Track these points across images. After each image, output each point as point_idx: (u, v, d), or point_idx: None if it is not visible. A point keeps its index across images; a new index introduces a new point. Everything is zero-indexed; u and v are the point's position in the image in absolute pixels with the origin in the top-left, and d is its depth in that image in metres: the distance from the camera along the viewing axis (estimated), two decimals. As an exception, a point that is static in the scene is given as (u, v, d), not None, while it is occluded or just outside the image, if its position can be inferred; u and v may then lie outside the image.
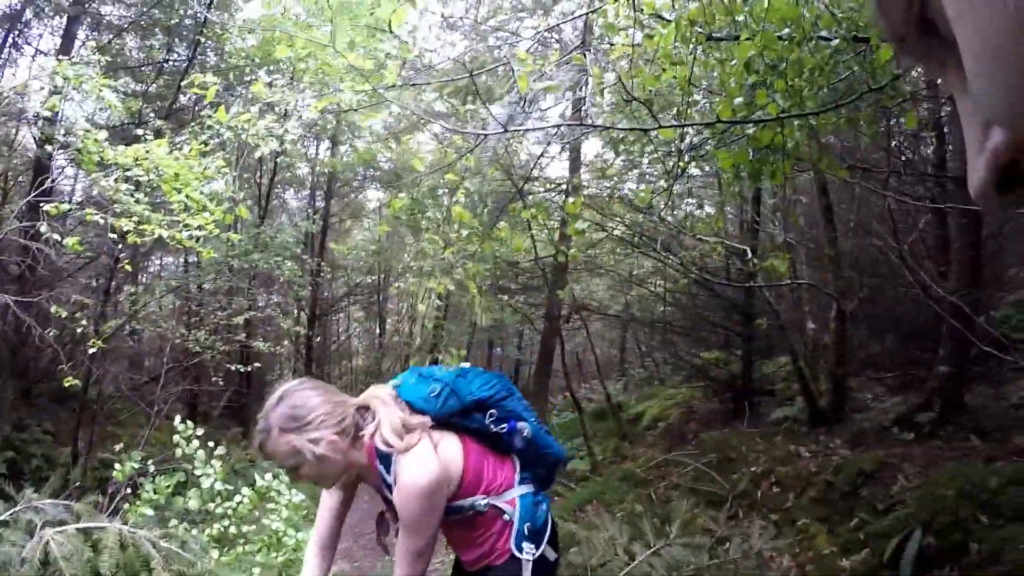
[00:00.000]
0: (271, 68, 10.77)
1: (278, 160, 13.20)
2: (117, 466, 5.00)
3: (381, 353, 20.36)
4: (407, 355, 20.40)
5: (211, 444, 5.19)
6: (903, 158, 6.47)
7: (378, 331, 22.07)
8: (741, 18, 2.82)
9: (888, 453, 5.02)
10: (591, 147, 13.08)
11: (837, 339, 6.41)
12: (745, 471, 5.90)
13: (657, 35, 2.93)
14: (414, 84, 4.54)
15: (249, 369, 9.86)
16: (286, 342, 18.34)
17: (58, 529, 2.51)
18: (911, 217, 6.44)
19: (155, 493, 4.97)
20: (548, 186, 11.63)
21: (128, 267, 6.66)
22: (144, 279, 14.56)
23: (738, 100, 2.81)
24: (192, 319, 10.65)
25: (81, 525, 2.59)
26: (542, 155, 10.66)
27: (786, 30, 2.63)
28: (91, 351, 6.27)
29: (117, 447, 6.26)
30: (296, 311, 17.33)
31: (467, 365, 2.40)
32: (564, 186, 10.61)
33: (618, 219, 9.14)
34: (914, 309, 6.34)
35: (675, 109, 3.37)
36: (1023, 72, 0.34)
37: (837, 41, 2.73)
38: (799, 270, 7.31)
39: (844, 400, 6.55)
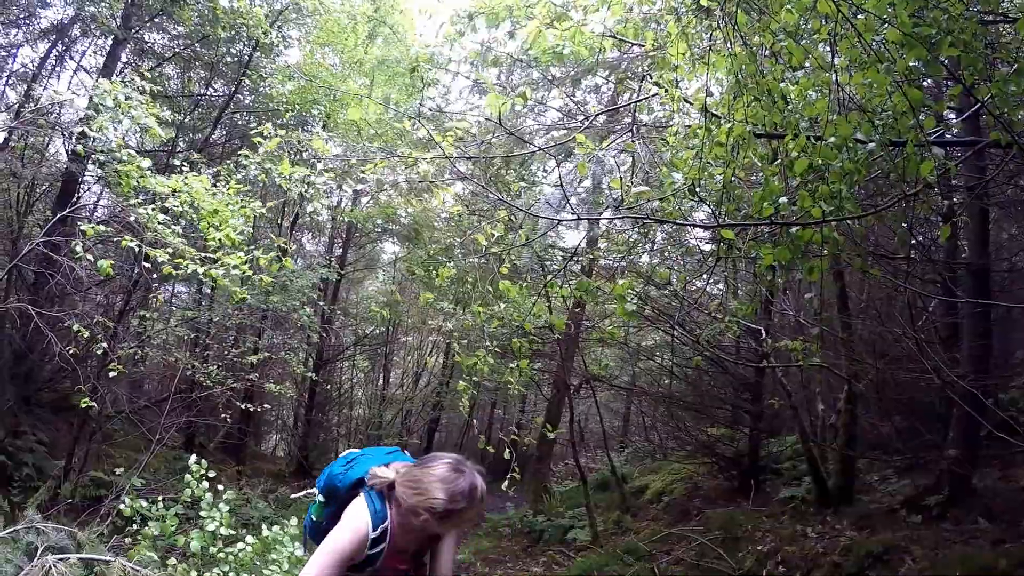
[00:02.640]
0: (305, 115, 11.07)
1: (302, 206, 13.46)
2: (126, 499, 4.89)
3: (382, 407, 20.25)
4: (408, 410, 20.34)
5: (220, 488, 5.12)
6: (918, 245, 6.61)
7: (382, 383, 22.03)
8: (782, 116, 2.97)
9: (896, 535, 5.00)
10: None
11: (847, 420, 6.43)
12: (751, 550, 5.86)
13: (714, 130, 3.05)
14: (470, 157, 4.69)
15: (259, 408, 9.86)
16: (288, 383, 18.43)
17: (59, 556, 2.51)
18: (921, 301, 6.54)
19: (160, 531, 4.86)
20: (563, 256, 11.81)
21: (150, 293, 6.62)
22: (155, 303, 14.68)
23: (783, 199, 2.96)
24: (204, 352, 10.68)
25: (84, 556, 2.58)
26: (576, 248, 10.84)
27: (832, 138, 2.77)
28: (112, 374, 6.30)
29: (118, 470, 6.23)
30: (305, 355, 17.41)
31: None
32: (579, 257, 10.80)
33: (632, 292, 9.27)
34: (924, 393, 6.38)
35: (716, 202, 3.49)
36: None
37: (873, 145, 2.87)
38: (810, 351, 7.37)
39: (852, 481, 6.53)
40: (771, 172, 3.13)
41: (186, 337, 10.98)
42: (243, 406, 9.21)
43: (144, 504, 4.95)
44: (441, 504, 2.17)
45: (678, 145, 3.50)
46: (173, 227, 5.60)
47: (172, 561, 4.71)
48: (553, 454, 14.97)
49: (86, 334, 6.12)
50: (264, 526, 5.21)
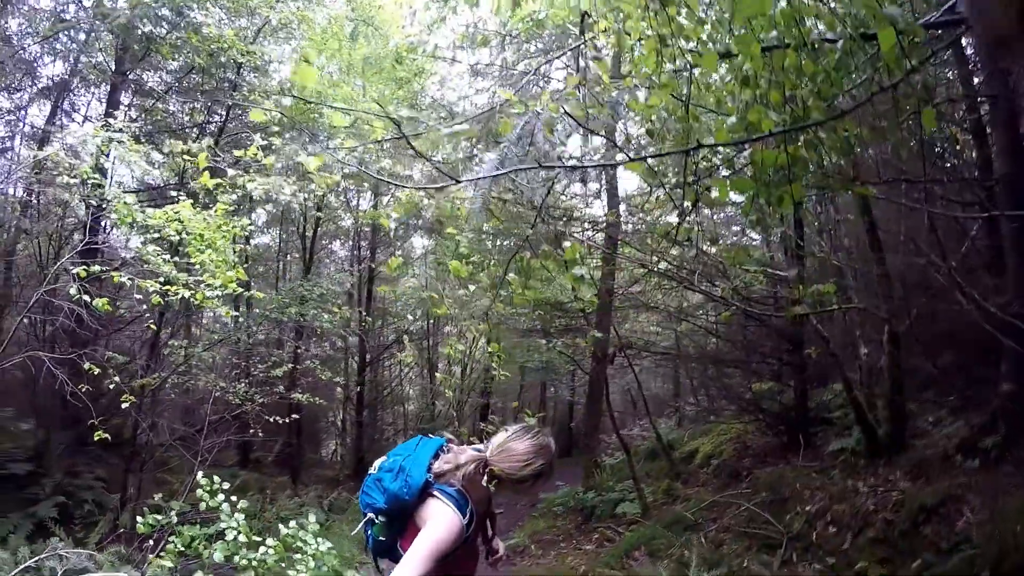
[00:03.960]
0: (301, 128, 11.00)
1: (320, 214, 13.39)
2: (139, 518, 4.88)
3: (432, 399, 20.24)
4: (459, 400, 20.29)
5: (234, 498, 5.04)
6: (946, 165, 6.11)
7: (428, 377, 22.04)
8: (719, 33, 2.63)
9: (952, 484, 4.59)
10: (631, 183, 12.87)
11: (891, 363, 5.98)
12: (800, 511, 5.50)
13: (638, 58, 2.75)
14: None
15: (287, 420, 9.83)
16: (339, 390, 18.49)
17: None
18: (960, 227, 6.02)
19: (181, 544, 4.85)
20: (585, 227, 11.46)
21: (152, 327, 6.58)
22: (197, 332, 14.86)
23: (731, 120, 2.60)
24: (236, 372, 10.73)
25: (99, 574, 2.46)
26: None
27: (774, 33, 2.40)
28: (123, 405, 6.35)
29: (158, 495, 6.28)
30: (345, 359, 17.42)
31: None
32: (603, 224, 10.43)
33: (659, 254, 8.87)
34: (970, 325, 5.90)
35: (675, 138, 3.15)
36: None
37: (842, 42, 2.50)
38: (848, 293, 6.93)
39: (904, 427, 6.05)
40: (722, 94, 2.78)
41: (219, 359, 11.03)
42: (273, 419, 9.17)
43: (158, 518, 4.93)
44: (546, 467, 2.51)
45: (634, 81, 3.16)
46: (166, 256, 5.54)
47: (199, 574, 4.68)
48: (602, 428, 14.70)
49: (95, 371, 6.15)
50: (281, 525, 5.16)
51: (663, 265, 8.87)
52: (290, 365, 10.90)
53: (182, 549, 4.87)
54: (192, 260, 5.55)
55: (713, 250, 6.68)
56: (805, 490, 5.83)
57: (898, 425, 6.04)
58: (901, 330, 5.97)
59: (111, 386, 6.49)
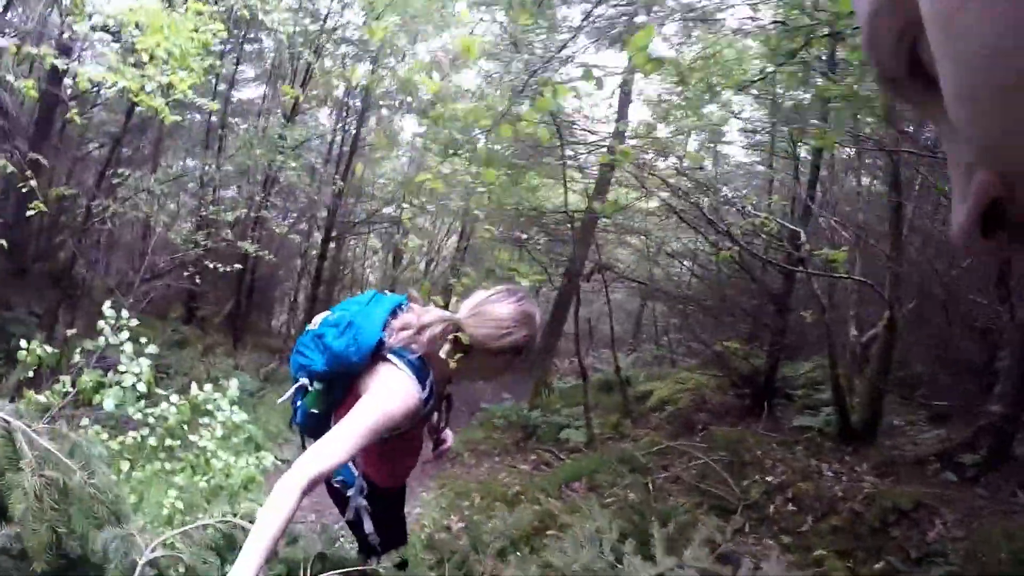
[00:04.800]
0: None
1: (311, 69, 12.47)
2: (23, 346, 4.19)
3: (392, 287, 19.85)
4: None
5: (144, 340, 4.42)
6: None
7: (391, 264, 21.61)
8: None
9: (927, 491, 4.41)
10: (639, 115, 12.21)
11: (883, 350, 5.71)
12: (759, 479, 5.31)
13: None
14: None
15: (230, 269, 9.17)
16: (298, 261, 17.94)
17: None
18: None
19: (72, 385, 4.14)
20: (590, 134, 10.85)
21: (77, 118, 5.58)
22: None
23: None
24: (187, 211, 10.01)
25: None
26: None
27: None
28: (29, 213, 5.47)
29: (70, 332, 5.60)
30: (308, 230, 16.80)
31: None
32: (607, 139, 9.87)
33: (661, 181, 8.36)
34: (973, 335, 5.65)
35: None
36: (999, 107, 0.33)
37: None
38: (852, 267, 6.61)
39: (878, 420, 5.87)
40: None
41: (171, 198, 10.23)
42: (214, 266, 8.54)
43: (48, 349, 4.26)
44: (528, 340, 2.09)
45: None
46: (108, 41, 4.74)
47: (85, 421, 4.14)
48: (558, 349, 14.53)
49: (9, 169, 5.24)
50: (195, 385, 4.56)
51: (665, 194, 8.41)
52: (243, 211, 10.08)
53: (69, 390, 4.14)
54: (138, 48, 4.71)
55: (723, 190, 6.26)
56: (766, 459, 5.65)
57: (873, 416, 5.84)
58: (901, 319, 5.69)
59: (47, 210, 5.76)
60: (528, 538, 4.55)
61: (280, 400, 2.31)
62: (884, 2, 0.40)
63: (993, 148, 0.36)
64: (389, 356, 2.04)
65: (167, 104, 4.87)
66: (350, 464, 2.20)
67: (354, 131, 15.13)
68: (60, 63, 4.58)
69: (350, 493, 2.25)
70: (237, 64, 13.50)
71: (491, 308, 2.07)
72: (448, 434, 2.52)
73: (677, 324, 10.73)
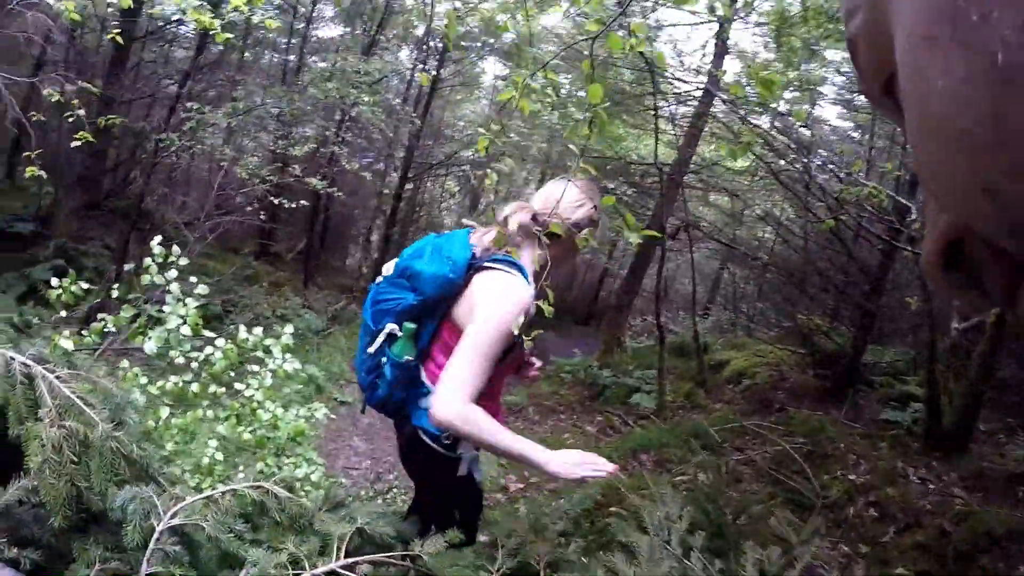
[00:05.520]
0: None
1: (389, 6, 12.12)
2: (54, 282, 3.93)
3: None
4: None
5: (193, 279, 4.11)
6: None
7: (469, 207, 21.46)
8: None
9: (1017, 514, 3.93)
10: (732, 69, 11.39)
11: (988, 349, 5.10)
12: (841, 476, 4.90)
13: None
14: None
15: (297, 205, 9.09)
16: (374, 200, 17.91)
17: None
18: None
19: (113, 324, 3.89)
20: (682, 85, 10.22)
21: (118, 39, 5.21)
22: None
23: None
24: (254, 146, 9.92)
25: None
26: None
27: None
28: (73, 144, 5.05)
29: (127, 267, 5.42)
30: (384, 169, 16.69)
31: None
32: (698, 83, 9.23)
33: (759, 136, 7.73)
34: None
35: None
36: (952, 154, 0.33)
37: None
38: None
39: (972, 426, 5.26)
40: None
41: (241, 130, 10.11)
42: (279, 202, 8.43)
43: (82, 286, 3.95)
44: (598, 211, 2.13)
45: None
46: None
47: (125, 363, 3.90)
48: (634, 307, 14.13)
49: (55, 98, 4.90)
50: (243, 328, 4.20)
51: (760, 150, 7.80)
52: (312, 146, 9.96)
53: (111, 329, 3.92)
54: None
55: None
56: (848, 454, 5.21)
57: (967, 421, 5.24)
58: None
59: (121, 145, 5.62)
60: (590, 515, 4.38)
61: (371, 350, 2.11)
62: (863, 30, 0.40)
63: (943, 198, 0.37)
64: (485, 264, 1.99)
65: (217, 20, 4.56)
66: None
67: (434, 72, 14.81)
68: None
69: (444, 439, 2.06)
70: (314, 2, 13.28)
71: (555, 190, 2.09)
72: (535, 361, 2.35)
73: (757, 291, 10.16)
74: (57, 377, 1.93)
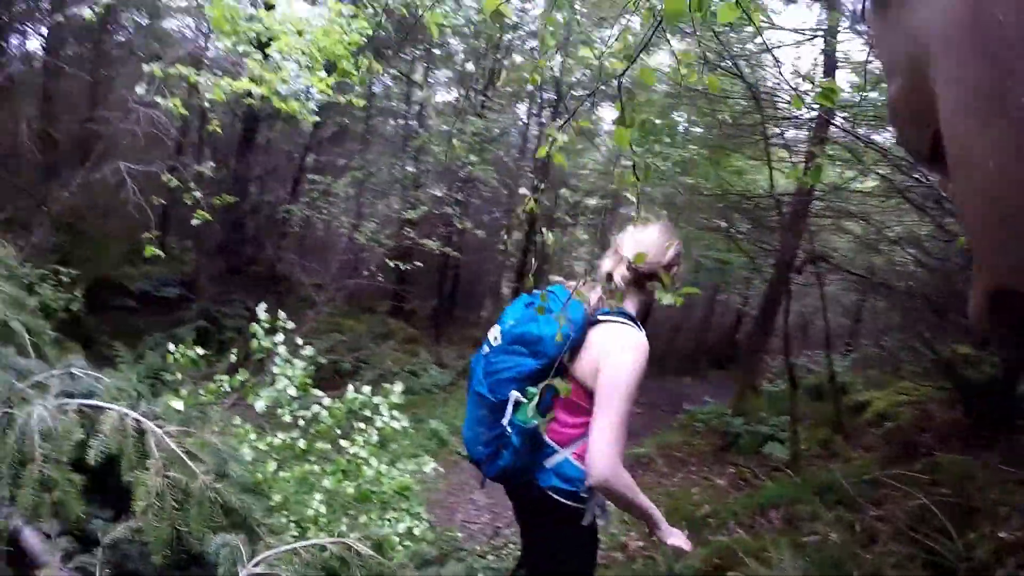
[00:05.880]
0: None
1: (498, 60, 12.52)
2: (172, 348, 4.31)
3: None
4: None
5: (299, 341, 4.41)
6: None
7: (600, 254, 21.45)
8: None
9: None
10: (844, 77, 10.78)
11: None
12: (989, 534, 4.34)
13: None
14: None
15: (408, 267, 9.40)
16: (499, 255, 18.29)
17: (60, 402, 2.15)
18: None
19: (229, 385, 4.26)
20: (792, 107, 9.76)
21: (218, 129, 5.67)
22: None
23: None
24: (368, 211, 10.46)
25: (89, 402, 2.15)
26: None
27: None
28: (194, 222, 5.26)
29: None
30: (508, 224, 17.03)
31: None
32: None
33: (881, 154, 7.23)
34: None
35: None
36: (999, 225, 0.34)
37: None
38: None
39: None
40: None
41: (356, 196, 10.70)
42: (392, 264, 8.78)
43: (197, 353, 4.34)
44: (681, 245, 2.23)
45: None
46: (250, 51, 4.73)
47: (237, 420, 4.14)
48: (772, 348, 13.44)
49: (173, 183, 5.23)
50: (351, 386, 4.46)
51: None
52: (423, 209, 10.34)
53: (228, 389, 4.28)
54: (272, 51, 4.69)
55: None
56: (1000, 506, 4.63)
57: None
58: None
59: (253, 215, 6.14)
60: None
61: (504, 421, 2.12)
62: (908, 92, 0.40)
63: (989, 260, 0.38)
64: (600, 318, 2.09)
65: (305, 104, 4.86)
66: (570, 458, 2.10)
67: (549, 123, 15.09)
68: (201, 79, 4.74)
69: (583, 493, 2.09)
70: (428, 69, 13.95)
71: (642, 236, 2.18)
72: None
73: (899, 322, 9.37)
74: (165, 432, 2.12)
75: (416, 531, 4.38)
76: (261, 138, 10.56)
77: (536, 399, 1.98)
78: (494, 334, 2.21)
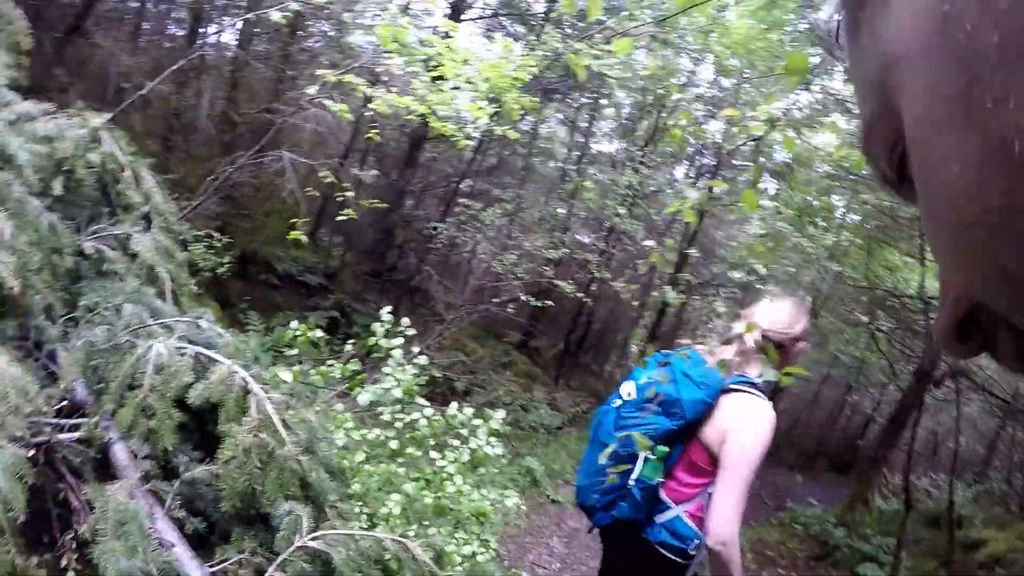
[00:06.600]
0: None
1: (661, 112, 12.62)
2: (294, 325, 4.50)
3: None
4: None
5: (415, 350, 4.52)
6: None
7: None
8: None
9: None
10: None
11: None
12: None
13: None
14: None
15: (541, 303, 9.62)
16: (637, 305, 18.19)
17: (179, 345, 2.35)
18: None
19: (341, 372, 4.39)
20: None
21: (376, 137, 6.21)
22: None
23: None
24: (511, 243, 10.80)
25: (206, 352, 2.39)
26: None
27: None
28: (339, 217, 5.69)
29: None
30: (648, 282, 16.98)
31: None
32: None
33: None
34: None
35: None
36: (964, 239, 0.34)
37: None
38: None
39: None
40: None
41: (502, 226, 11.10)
42: (527, 299, 9.01)
43: (318, 336, 4.49)
44: (809, 318, 2.31)
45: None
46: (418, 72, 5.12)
47: (339, 406, 4.34)
48: (894, 462, 12.62)
49: (329, 179, 5.70)
50: (454, 404, 4.47)
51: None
52: (564, 251, 10.59)
53: (338, 376, 4.42)
54: (435, 75, 5.04)
55: None
56: None
57: None
58: None
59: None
60: None
61: (634, 476, 2.22)
62: (878, 114, 0.39)
63: (956, 276, 0.37)
64: (732, 387, 2.16)
65: (462, 128, 5.22)
66: (683, 516, 2.19)
67: (707, 189, 14.99)
68: (370, 91, 5.23)
69: (691, 550, 2.19)
70: (592, 117, 14.32)
71: (774, 309, 2.25)
72: None
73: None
74: (269, 397, 2.31)
75: (480, 558, 4.46)
76: (425, 157, 11.30)
77: (665, 458, 2.14)
78: (628, 389, 2.31)
